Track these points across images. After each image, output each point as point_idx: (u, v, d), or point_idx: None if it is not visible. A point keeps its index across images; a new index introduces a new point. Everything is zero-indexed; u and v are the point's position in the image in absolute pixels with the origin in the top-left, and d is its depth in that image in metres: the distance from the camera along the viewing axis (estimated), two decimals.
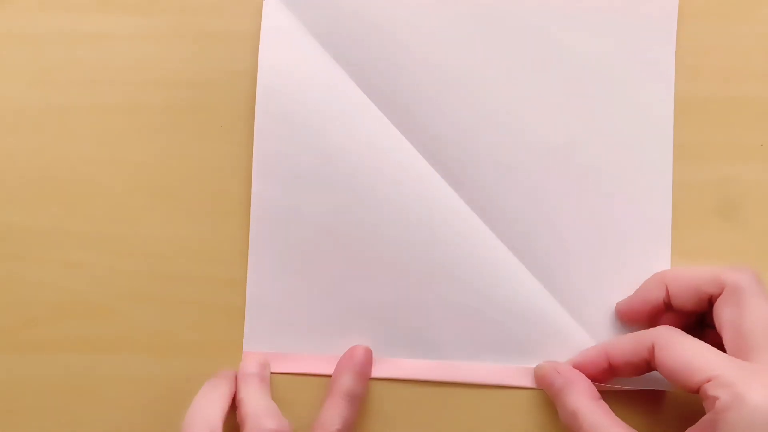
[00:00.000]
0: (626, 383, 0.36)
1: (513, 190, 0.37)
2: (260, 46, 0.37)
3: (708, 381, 0.30)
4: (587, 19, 0.37)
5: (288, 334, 0.37)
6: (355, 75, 0.37)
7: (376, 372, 0.37)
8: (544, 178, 0.37)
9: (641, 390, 0.36)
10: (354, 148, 0.37)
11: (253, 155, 0.37)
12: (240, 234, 0.38)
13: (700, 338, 0.32)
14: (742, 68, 0.37)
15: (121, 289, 0.38)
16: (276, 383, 0.37)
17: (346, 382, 0.35)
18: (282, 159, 0.37)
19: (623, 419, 0.33)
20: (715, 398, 0.29)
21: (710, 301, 0.33)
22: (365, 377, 0.36)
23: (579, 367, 0.35)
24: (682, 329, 0.33)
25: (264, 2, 0.38)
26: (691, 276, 0.34)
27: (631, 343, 0.34)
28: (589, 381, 0.35)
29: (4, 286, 0.38)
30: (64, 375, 0.38)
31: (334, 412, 0.35)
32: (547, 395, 0.36)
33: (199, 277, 0.38)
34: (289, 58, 0.37)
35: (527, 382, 0.37)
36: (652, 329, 0.34)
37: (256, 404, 0.34)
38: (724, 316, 0.32)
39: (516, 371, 0.37)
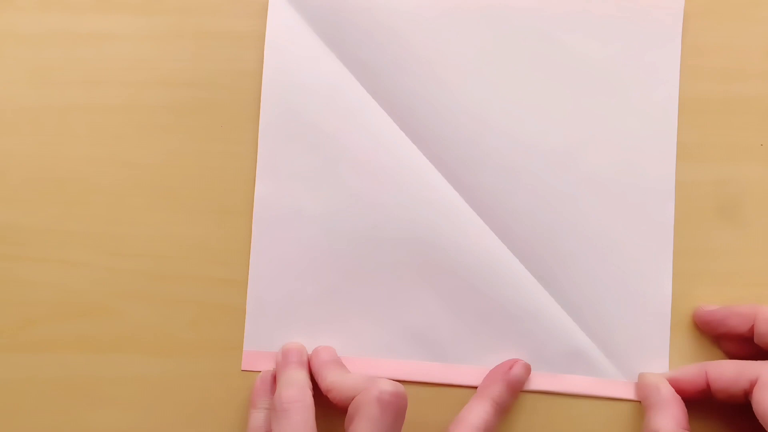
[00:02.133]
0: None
1: (516, 191, 0.37)
2: (266, 45, 0.37)
3: None
4: (592, 22, 0.37)
5: (289, 335, 0.37)
6: (360, 75, 0.37)
7: (377, 372, 0.37)
8: (547, 180, 0.37)
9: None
10: (358, 148, 0.37)
11: (258, 155, 0.37)
12: (240, 234, 0.38)
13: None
14: (742, 68, 0.37)
15: (121, 289, 0.38)
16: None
17: (497, 390, 0.35)
18: (286, 159, 0.37)
19: None
20: None
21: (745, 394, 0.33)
22: (516, 390, 0.36)
23: (676, 383, 0.35)
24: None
25: (269, 1, 0.38)
26: (730, 373, 0.34)
27: (734, 370, 0.33)
28: (684, 410, 0.34)
29: (4, 286, 0.38)
30: (64, 375, 0.38)
31: (479, 411, 0.34)
32: (539, 401, 0.36)
33: (199, 277, 0.38)
34: (295, 58, 0.37)
35: (529, 384, 0.37)
36: (760, 362, 0.33)
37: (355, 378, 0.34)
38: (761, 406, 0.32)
39: None
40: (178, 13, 0.38)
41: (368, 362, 0.37)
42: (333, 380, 0.34)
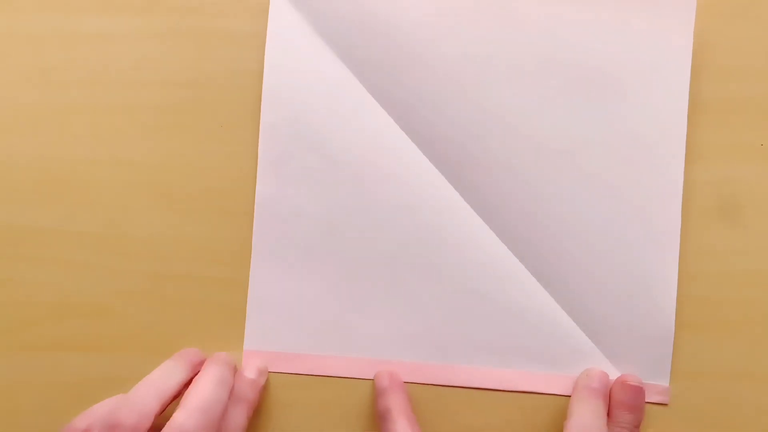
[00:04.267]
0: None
1: (519, 191, 0.37)
2: (267, 45, 0.37)
3: None
4: (600, 18, 0.36)
5: (289, 334, 0.37)
6: (361, 74, 0.37)
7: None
8: (551, 179, 0.37)
9: None
10: (359, 148, 0.37)
11: (259, 155, 0.37)
12: (240, 234, 0.38)
13: None
14: (742, 68, 0.37)
15: (121, 289, 0.38)
16: (276, 383, 0.37)
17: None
18: (287, 159, 0.37)
19: None
20: None
21: None
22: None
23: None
24: None
25: (270, 2, 0.38)
26: None
27: None
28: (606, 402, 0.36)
29: (4, 286, 0.38)
30: (64, 375, 0.38)
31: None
32: (552, 400, 0.36)
33: (199, 277, 0.38)
34: (295, 58, 0.37)
35: (529, 386, 0.37)
36: None
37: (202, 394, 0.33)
38: None
39: (518, 375, 0.37)
40: (178, 13, 0.38)
41: (369, 362, 0.37)
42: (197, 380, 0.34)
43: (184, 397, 0.33)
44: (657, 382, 0.36)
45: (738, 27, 0.37)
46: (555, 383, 0.36)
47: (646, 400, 0.36)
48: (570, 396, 0.36)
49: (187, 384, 0.34)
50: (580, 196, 0.37)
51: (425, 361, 0.37)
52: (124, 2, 0.38)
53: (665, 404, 0.36)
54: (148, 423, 0.32)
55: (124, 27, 0.38)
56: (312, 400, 0.37)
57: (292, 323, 0.37)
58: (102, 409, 0.33)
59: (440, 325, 0.37)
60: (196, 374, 0.35)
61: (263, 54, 0.38)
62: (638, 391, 0.35)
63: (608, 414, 0.35)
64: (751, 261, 0.37)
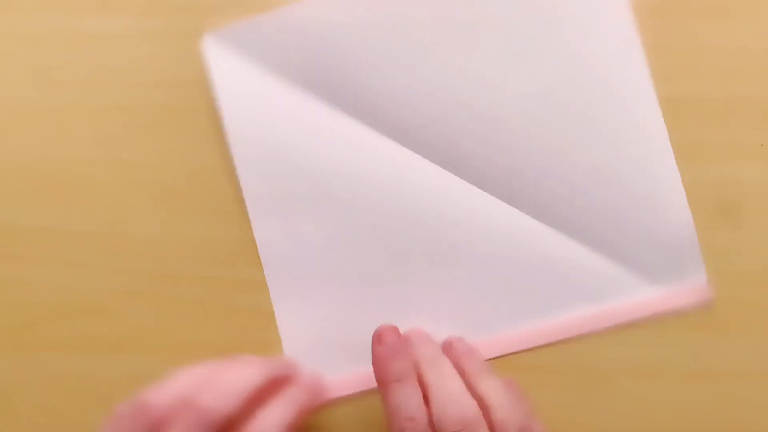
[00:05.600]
0: None
1: (504, 146, 0.37)
2: (216, 94, 0.37)
3: None
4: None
5: (327, 354, 0.37)
6: (318, 91, 0.37)
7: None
8: (530, 126, 0.36)
9: None
10: (339, 162, 0.37)
11: (245, 198, 0.37)
12: (239, 233, 0.38)
13: None
14: (742, 68, 0.37)
15: (121, 289, 0.38)
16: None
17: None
18: (274, 194, 0.37)
19: None
20: None
21: None
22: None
23: None
24: None
25: (205, 50, 0.37)
26: None
27: None
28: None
29: (4, 286, 0.38)
30: (64, 375, 0.38)
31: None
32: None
33: (199, 277, 0.38)
34: (248, 96, 0.37)
35: (579, 328, 0.36)
36: None
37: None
38: None
39: (566, 322, 0.36)
40: (178, 13, 0.38)
41: None
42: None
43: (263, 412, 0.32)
44: (694, 279, 0.36)
45: (738, 27, 0.37)
46: (602, 317, 0.36)
47: (687, 302, 0.36)
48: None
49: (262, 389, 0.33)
50: (563, 136, 0.36)
51: (476, 338, 0.37)
52: (124, 2, 0.38)
53: (707, 304, 0.36)
54: (229, 414, 0.30)
55: (124, 27, 0.38)
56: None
57: (327, 342, 0.37)
58: (179, 386, 0.31)
59: (471, 300, 0.37)
60: (272, 382, 0.33)
61: None
62: (453, 342, 0.35)
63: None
64: (751, 261, 0.37)
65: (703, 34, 0.37)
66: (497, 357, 0.37)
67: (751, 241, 0.37)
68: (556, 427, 0.36)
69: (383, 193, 0.37)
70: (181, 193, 0.38)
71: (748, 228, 0.37)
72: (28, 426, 0.37)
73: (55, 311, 0.38)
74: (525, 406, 0.33)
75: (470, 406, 0.31)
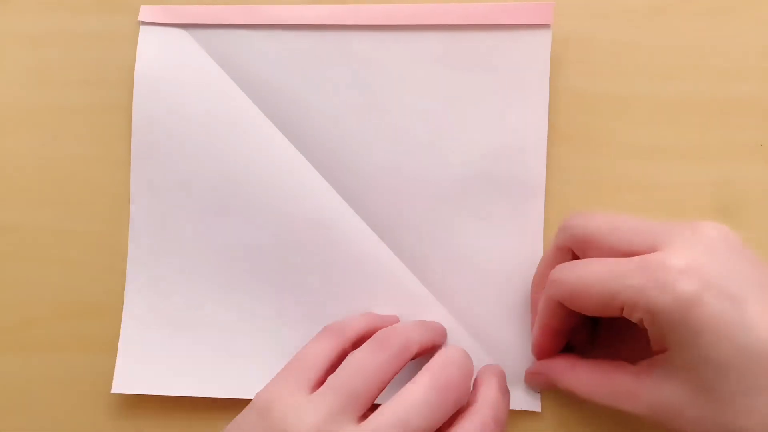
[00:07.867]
0: None
1: (388, 190, 0.37)
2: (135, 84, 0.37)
3: None
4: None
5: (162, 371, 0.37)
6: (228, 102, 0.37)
7: None
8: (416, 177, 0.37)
9: None
10: (216, 164, 0.37)
11: (131, 177, 0.37)
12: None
13: None
14: (742, 68, 0.37)
15: (121, 289, 0.38)
16: None
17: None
18: (157, 177, 0.37)
19: None
20: None
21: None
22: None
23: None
24: None
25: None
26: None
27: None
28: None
29: (4, 286, 0.38)
30: (64, 375, 0.38)
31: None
32: None
33: None
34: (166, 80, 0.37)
35: None
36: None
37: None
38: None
39: None
40: None
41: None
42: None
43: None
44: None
45: (738, 27, 0.37)
46: None
47: None
48: None
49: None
50: (450, 187, 0.36)
51: None
52: (123, 2, 0.39)
53: None
54: (410, 354, 0.30)
55: (124, 27, 0.38)
56: None
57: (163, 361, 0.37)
58: (357, 324, 0.33)
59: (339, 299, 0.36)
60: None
61: None
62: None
63: None
64: None
65: (703, 34, 0.37)
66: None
67: (751, 242, 0.37)
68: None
69: (260, 201, 0.36)
70: None
71: (748, 228, 0.37)
72: (28, 426, 0.37)
73: (55, 311, 0.38)
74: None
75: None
